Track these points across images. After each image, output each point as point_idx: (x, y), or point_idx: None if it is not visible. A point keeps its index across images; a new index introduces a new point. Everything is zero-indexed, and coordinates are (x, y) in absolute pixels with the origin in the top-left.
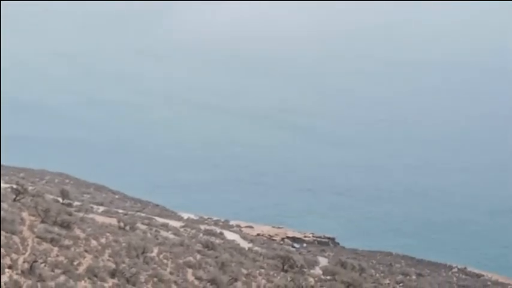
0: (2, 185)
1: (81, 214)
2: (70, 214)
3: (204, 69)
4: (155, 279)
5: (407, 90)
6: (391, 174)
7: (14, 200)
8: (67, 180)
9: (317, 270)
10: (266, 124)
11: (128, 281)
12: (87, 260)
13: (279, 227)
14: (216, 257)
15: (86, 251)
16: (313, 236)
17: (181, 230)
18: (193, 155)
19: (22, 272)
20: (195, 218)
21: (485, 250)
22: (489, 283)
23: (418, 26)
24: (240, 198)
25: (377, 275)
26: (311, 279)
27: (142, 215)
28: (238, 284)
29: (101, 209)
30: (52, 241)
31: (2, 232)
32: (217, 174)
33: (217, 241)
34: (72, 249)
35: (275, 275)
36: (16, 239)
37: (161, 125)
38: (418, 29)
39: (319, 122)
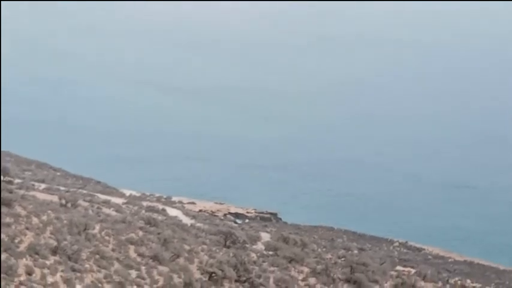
0: None
1: (22, 191)
2: (11, 192)
3: (149, 49)
4: (97, 256)
5: (342, 64)
6: (334, 149)
7: None
8: (8, 158)
9: (259, 246)
10: (209, 101)
11: (69, 258)
12: (29, 238)
13: (221, 203)
14: (158, 234)
15: (27, 228)
16: (256, 212)
17: (124, 206)
18: (136, 131)
19: None
20: (137, 194)
21: (427, 224)
22: (430, 257)
23: None
24: (183, 175)
25: (319, 249)
26: (253, 255)
27: (84, 192)
28: (181, 260)
29: (43, 186)
30: None
31: None
32: (161, 150)
33: (160, 217)
34: (13, 227)
35: (217, 250)
36: None
37: (103, 102)
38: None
39: (261, 98)
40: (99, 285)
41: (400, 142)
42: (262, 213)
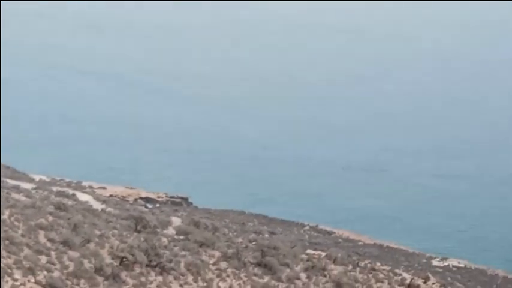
0: None
1: None
2: None
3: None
4: (6, 242)
5: (255, 47)
6: (245, 135)
7: None
8: None
9: (170, 230)
10: (121, 84)
11: None
12: None
13: (131, 188)
14: (69, 219)
15: None
16: (167, 197)
17: (33, 191)
18: (47, 113)
19: None
20: (47, 179)
21: (337, 208)
22: (340, 240)
23: None
24: (93, 159)
25: (230, 234)
26: (164, 239)
27: None
28: (91, 245)
29: None
30: None
31: None
32: (71, 132)
33: (70, 202)
34: None
35: (128, 235)
36: None
37: (10, 85)
38: None
39: (175, 83)
40: (9, 271)
41: (308, 125)
42: (173, 197)
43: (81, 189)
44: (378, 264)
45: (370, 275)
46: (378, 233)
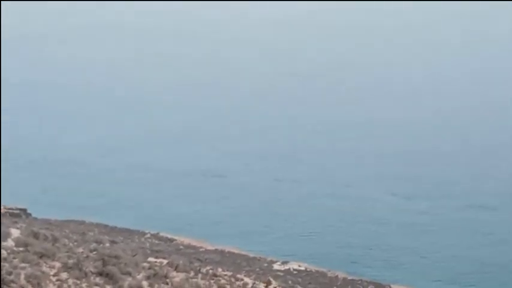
0: None
1: None
2: None
3: None
4: None
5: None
6: (79, 143)
7: None
8: None
9: (9, 242)
10: None
11: None
12: None
13: None
14: None
15: None
16: (5, 208)
17: None
18: None
19: None
20: None
21: (177, 215)
22: (181, 247)
23: None
24: None
25: (70, 244)
26: (4, 252)
27: None
28: None
29: None
30: None
31: None
32: None
33: None
34: None
35: None
36: None
37: None
38: None
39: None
40: None
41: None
42: (11, 209)
43: None
44: (220, 269)
45: (212, 281)
46: (218, 238)
